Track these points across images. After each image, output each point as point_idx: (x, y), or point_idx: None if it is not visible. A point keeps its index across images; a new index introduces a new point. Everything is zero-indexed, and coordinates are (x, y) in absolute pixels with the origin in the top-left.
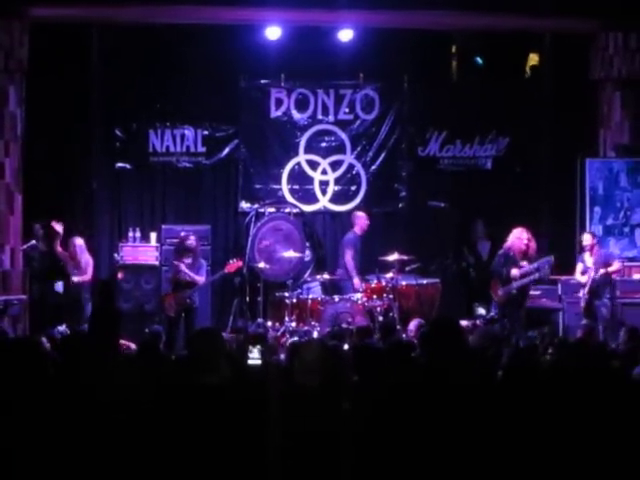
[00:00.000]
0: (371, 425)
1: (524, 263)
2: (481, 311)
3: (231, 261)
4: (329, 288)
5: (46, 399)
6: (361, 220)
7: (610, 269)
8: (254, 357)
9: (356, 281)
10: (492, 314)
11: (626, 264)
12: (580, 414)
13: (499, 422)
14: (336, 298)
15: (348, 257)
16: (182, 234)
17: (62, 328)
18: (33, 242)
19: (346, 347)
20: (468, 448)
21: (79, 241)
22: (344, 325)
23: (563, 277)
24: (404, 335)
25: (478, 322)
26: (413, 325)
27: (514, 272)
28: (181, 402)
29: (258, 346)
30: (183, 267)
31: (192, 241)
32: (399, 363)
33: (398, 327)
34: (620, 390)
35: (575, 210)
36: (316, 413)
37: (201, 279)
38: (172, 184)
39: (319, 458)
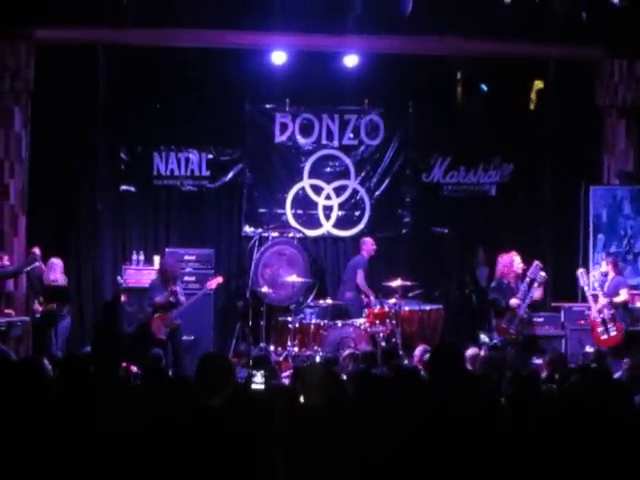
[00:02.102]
0: (375, 448)
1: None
2: (484, 339)
3: (210, 277)
4: (332, 313)
5: (47, 421)
6: (368, 245)
7: (616, 299)
8: (257, 382)
9: (372, 298)
10: (495, 341)
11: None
12: (585, 444)
13: (501, 451)
14: (339, 323)
15: (360, 277)
16: (165, 261)
17: None
18: (37, 264)
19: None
20: (469, 474)
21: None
22: (347, 350)
23: (566, 304)
24: (406, 361)
25: (482, 350)
26: (418, 351)
27: (513, 302)
28: (187, 425)
29: (262, 371)
30: (179, 290)
31: (177, 267)
32: (401, 390)
33: (401, 352)
34: (624, 419)
35: (579, 237)
36: (320, 432)
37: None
38: (176, 207)
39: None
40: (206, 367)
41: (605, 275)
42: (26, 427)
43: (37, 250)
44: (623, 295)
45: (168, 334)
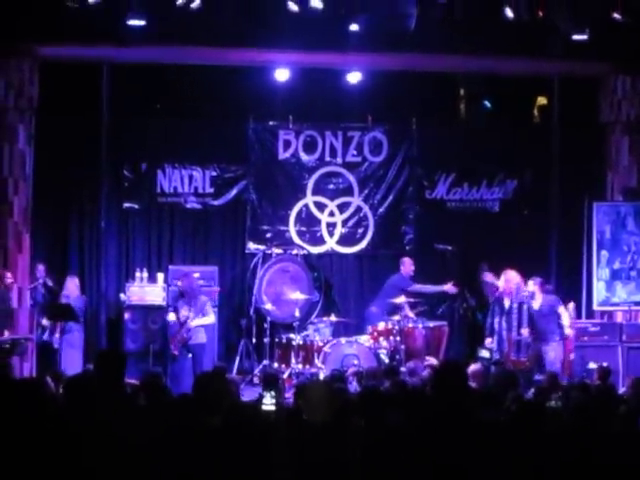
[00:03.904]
0: (379, 465)
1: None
2: (484, 354)
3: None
4: (337, 330)
5: (49, 440)
6: (407, 265)
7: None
8: (267, 402)
9: (446, 286)
10: (497, 357)
11: (633, 308)
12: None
13: (508, 465)
14: (343, 340)
15: (415, 287)
16: (182, 281)
17: None
18: (40, 281)
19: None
20: None
21: None
22: (351, 367)
23: None
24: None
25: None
26: (421, 365)
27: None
28: (185, 444)
29: (272, 392)
30: (190, 310)
31: (190, 287)
32: (405, 406)
33: (403, 369)
34: (629, 436)
35: (582, 253)
36: (325, 449)
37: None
38: (180, 225)
39: None
40: (202, 387)
41: (532, 296)
42: (26, 446)
43: (41, 267)
44: (565, 315)
45: (181, 350)
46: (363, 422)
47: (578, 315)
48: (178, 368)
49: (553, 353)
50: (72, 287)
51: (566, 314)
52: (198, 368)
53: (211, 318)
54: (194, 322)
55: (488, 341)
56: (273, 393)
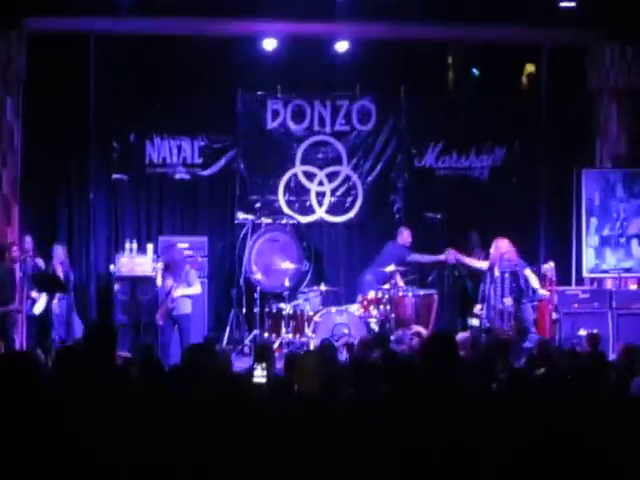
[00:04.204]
0: (368, 436)
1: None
2: (474, 322)
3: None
4: (327, 299)
5: (38, 413)
6: (404, 236)
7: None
8: (259, 375)
9: (443, 255)
10: (487, 325)
11: (622, 275)
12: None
13: (499, 440)
14: (333, 309)
15: (414, 257)
16: (165, 253)
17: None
18: (30, 253)
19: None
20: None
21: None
22: (341, 337)
23: (559, 288)
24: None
25: (469, 334)
26: (408, 334)
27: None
28: (175, 416)
29: (263, 364)
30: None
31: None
32: (395, 376)
33: (393, 337)
34: (619, 403)
35: (571, 220)
36: (315, 420)
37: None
38: (169, 195)
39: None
40: (191, 358)
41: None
42: (16, 421)
43: (28, 238)
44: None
45: (167, 321)
46: (353, 392)
47: (567, 282)
48: (167, 339)
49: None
50: (61, 254)
51: (533, 276)
52: (185, 339)
53: (196, 288)
54: (178, 292)
55: (477, 308)
56: (264, 365)
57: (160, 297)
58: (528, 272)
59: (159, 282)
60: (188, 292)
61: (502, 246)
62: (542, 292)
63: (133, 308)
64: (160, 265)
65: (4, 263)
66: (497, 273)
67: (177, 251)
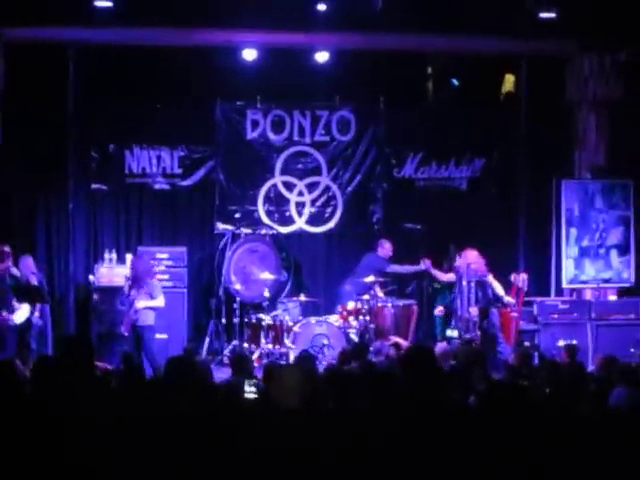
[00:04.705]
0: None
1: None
2: (451, 333)
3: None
4: (306, 309)
5: (17, 423)
6: (385, 248)
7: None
8: (250, 391)
9: (422, 265)
10: (469, 336)
11: (601, 286)
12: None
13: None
14: (312, 320)
15: (393, 268)
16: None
17: None
18: (9, 262)
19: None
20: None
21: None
22: (320, 347)
23: (538, 299)
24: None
25: (453, 344)
26: (386, 345)
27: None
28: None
29: (254, 380)
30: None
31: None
32: (373, 388)
33: (372, 348)
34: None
35: (551, 231)
36: (296, 435)
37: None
38: (148, 205)
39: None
40: (173, 370)
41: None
42: None
43: (7, 248)
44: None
45: (129, 331)
46: (331, 404)
47: (545, 293)
48: (130, 350)
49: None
50: (32, 264)
51: (496, 282)
52: (147, 351)
53: (159, 301)
54: (140, 303)
55: (438, 309)
56: (254, 381)
57: (126, 307)
58: (491, 279)
59: (126, 292)
60: (150, 304)
61: (470, 256)
62: (507, 299)
63: (111, 318)
64: (127, 275)
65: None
66: (464, 283)
67: (142, 262)
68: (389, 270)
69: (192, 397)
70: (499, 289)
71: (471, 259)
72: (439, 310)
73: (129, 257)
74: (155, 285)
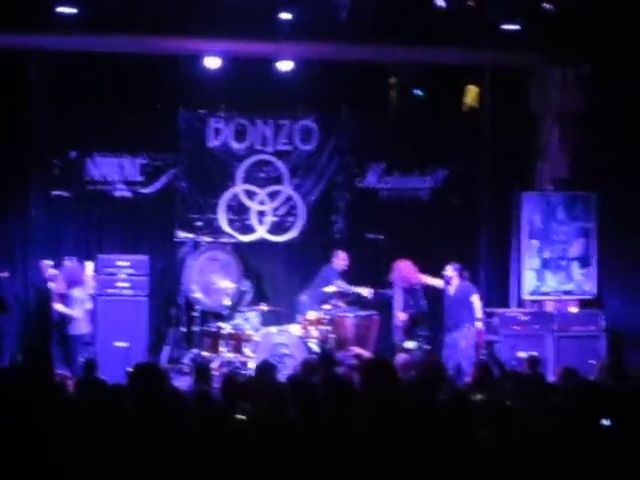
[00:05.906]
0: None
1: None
2: (409, 345)
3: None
4: (267, 318)
5: None
6: (339, 259)
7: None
8: (240, 414)
9: (364, 291)
10: (426, 346)
11: (563, 297)
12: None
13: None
14: (273, 329)
15: (337, 283)
16: None
17: None
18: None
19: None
20: None
21: None
22: (280, 357)
23: (499, 310)
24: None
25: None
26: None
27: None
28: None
29: (244, 404)
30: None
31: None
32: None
33: (334, 359)
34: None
35: (512, 243)
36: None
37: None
38: (109, 213)
39: None
40: (138, 377)
41: (448, 281)
42: None
43: None
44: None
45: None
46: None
47: (505, 304)
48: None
49: (464, 342)
50: None
51: (478, 304)
52: (70, 358)
53: (76, 312)
54: (60, 308)
55: (401, 315)
56: (246, 405)
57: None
58: (475, 298)
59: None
60: (66, 312)
61: (401, 265)
62: (478, 324)
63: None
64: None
65: None
66: (396, 292)
67: (67, 271)
68: (334, 284)
69: (157, 404)
70: (478, 311)
71: (402, 267)
72: (401, 317)
73: (90, 265)
74: (75, 295)
